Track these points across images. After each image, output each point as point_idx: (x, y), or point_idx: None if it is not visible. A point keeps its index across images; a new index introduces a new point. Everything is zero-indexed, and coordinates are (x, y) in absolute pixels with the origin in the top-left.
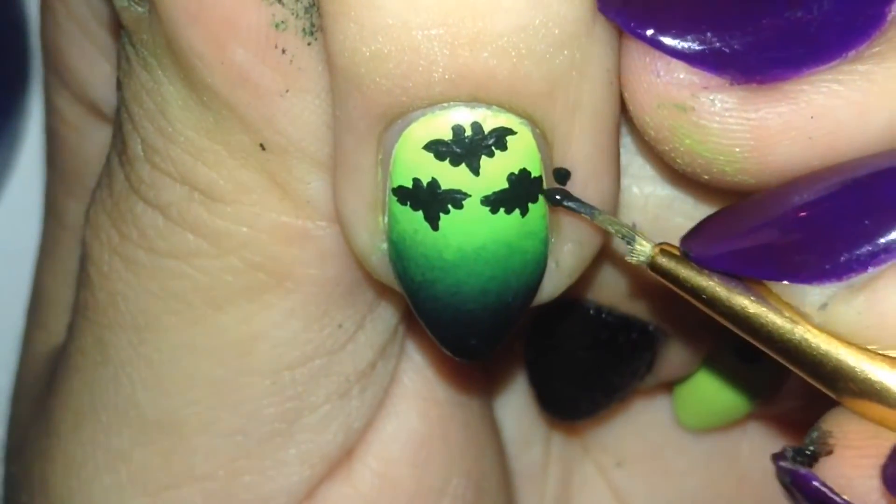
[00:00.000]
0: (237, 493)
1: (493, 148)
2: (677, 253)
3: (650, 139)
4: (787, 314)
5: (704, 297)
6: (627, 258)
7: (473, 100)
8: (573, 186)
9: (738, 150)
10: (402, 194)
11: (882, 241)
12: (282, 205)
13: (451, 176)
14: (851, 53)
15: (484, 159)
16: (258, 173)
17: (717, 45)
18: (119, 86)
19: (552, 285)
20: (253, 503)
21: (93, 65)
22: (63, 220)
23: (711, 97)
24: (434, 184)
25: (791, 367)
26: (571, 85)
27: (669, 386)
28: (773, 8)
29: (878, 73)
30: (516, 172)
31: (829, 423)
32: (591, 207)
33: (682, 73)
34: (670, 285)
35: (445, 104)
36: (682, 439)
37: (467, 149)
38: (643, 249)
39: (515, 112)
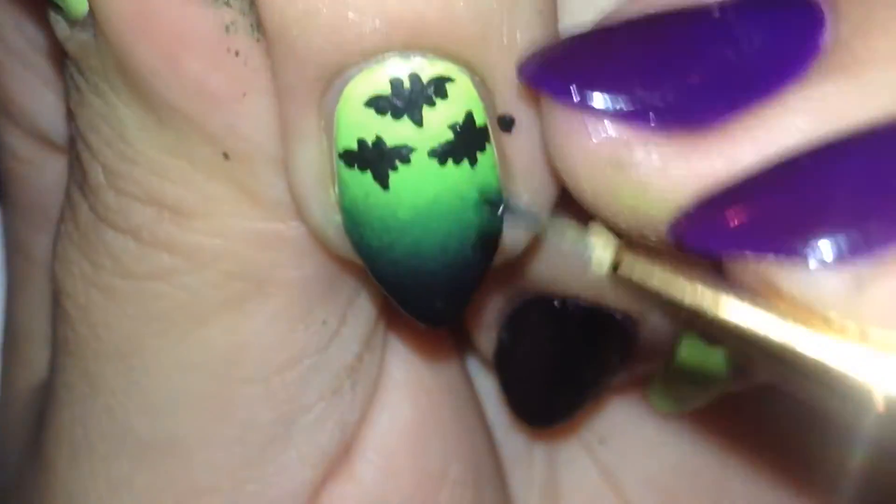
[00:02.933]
0: (243, 503)
1: (433, 97)
2: (641, 258)
3: (588, 204)
4: (787, 308)
5: (684, 302)
6: (588, 272)
7: (407, 48)
8: (519, 133)
9: (684, 201)
10: (348, 157)
11: None
12: (253, 211)
13: (394, 131)
14: (791, 85)
15: (426, 109)
16: (225, 183)
17: (649, 99)
18: (71, 116)
19: (512, 239)
20: None
21: (37, 96)
22: (31, 255)
23: (648, 151)
24: (379, 141)
25: (787, 370)
26: (503, 24)
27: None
28: (700, 52)
29: (815, 98)
30: (460, 122)
31: None
32: (536, 216)
33: (617, 131)
34: (642, 291)
35: (380, 57)
36: (660, 413)
37: (408, 100)
38: (601, 265)
39: (451, 59)
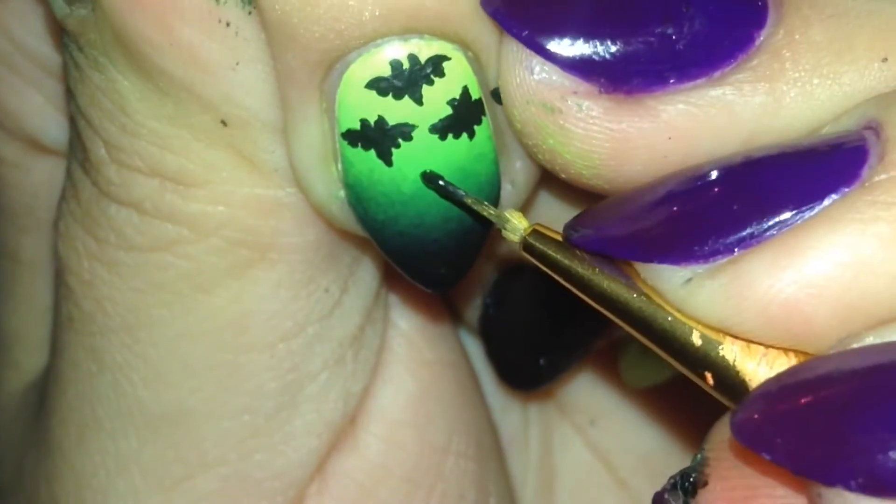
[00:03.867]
0: (251, 472)
1: (431, 76)
2: (550, 234)
3: (516, 131)
4: (649, 294)
5: (571, 277)
6: (503, 238)
7: (405, 31)
8: None
9: (596, 156)
10: (351, 137)
11: (749, 228)
12: (252, 178)
13: (396, 110)
14: (717, 74)
15: (425, 88)
16: (224, 150)
17: (589, 52)
18: (71, 95)
19: (510, 205)
20: (267, 481)
21: (23, 99)
22: (18, 257)
23: (579, 103)
24: (381, 121)
25: (654, 349)
26: None
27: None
28: (646, 22)
29: (737, 102)
30: (458, 97)
31: (708, 447)
32: (460, 191)
33: (555, 75)
34: (539, 265)
35: (379, 41)
36: (645, 393)
37: (407, 81)
38: (512, 236)
39: (447, 38)
